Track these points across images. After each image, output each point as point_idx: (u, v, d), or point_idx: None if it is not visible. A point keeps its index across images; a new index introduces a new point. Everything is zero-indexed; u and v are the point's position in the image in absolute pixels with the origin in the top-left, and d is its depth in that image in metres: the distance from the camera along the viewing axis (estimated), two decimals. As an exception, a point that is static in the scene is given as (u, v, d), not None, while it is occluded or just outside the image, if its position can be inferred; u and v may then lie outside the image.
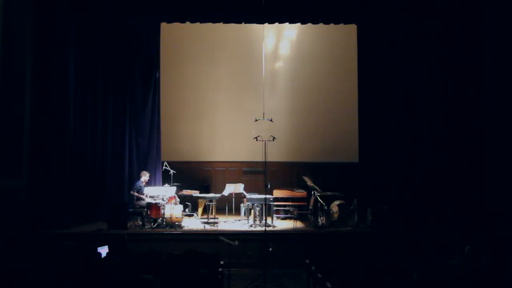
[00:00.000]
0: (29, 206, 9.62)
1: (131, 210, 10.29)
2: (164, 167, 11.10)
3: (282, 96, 12.78)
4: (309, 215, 10.70)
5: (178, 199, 10.44)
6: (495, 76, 10.10)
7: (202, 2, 10.30)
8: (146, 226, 9.85)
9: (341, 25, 11.21)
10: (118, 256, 5.74)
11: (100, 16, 10.40)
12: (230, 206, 10.75)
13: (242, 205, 10.80)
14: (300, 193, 11.38)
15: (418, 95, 10.68)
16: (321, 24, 11.07)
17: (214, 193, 11.22)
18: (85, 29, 10.58)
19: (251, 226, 10.16)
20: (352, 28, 11.37)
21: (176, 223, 9.87)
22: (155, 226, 9.85)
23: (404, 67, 10.73)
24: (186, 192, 11.21)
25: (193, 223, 10.51)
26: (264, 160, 8.97)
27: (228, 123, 12.87)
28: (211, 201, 10.68)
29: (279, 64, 13.04)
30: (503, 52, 10.01)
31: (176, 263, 5.71)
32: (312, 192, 10.58)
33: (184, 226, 9.96)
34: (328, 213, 10.26)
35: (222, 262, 6.87)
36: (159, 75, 11.43)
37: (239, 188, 10.82)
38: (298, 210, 11.01)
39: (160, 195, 10.09)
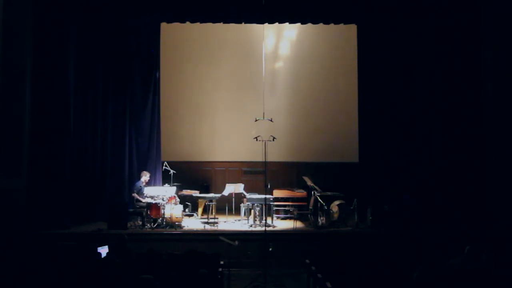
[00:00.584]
0: (29, 206, 9.62)
1: (131, 210, 10.29)
2: (164, 167, 11.10)
3: (282, 96, 12.78)
4: (309, 215, 10.70)
5: (178, 199, 10.44)
6: (495, 76, 10.11)
7: (202, 2, 10.30)
8: (146, 226, 9.85)
9: (341, 25, 11.21)
10: (118, 256, 5.74)
11: (100, 16, 10.40)
12: (230, 206, 10.75)
13: (242, 205, 10.80)
14: (300, 193, 11.38)
15: (418, 95, 10.69)
16: (321, 24, 11.07)
17: (214, 193, 11.22)
18: (85, 29, 10.57)
19: (251, 226, 10.16)
20: (352, 28, 11.37)
21: (176, 223, 9.87)
22: (155, 226, 9.85)
23: (404, 67, 10.73)
24: (186, 192, 11.21)
25: (193, 223, 10.51)
26: (264, 160, 8.97)
27: (228, 123, 12.87)
28: (211, 201, 10.68)
29: (279, 64, 13.04)
30: (503, 52, 10.01)
31: (176, 263, 5.71)
32: (312, 192, 10.57)
33: (184, 226, 9.96)
34: (328, 213, 10.26)
35: (222, 262, 6.87)
36: (159, 75, 11.43)
37: (239, 188, 10.82)
38: (298, 210, 11.01)
39: (160, 195, 10.08)
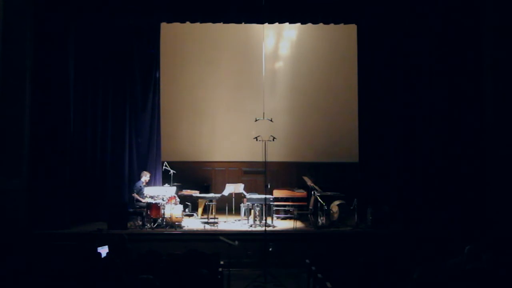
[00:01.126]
0: (29, 206, 9.62)
1: (131, 210, 10.29)
2: (164, 167, 11.11)
3: (282, 96, 12.77)
4: (309, 215, 10.70)
5: (178, 199, 10.44)
6: (495, 76, 10.10)
7: (202, 2, 10.29)
8: (146, 226, 9.86)
9: (341, 25, 11.19)
10: (118, 256, 5.73)
11: (100, 16, 10.39)
12: (230, 206, 10.75)
13: (242, 205, 10.80)
14: (300, 193, 11.38)
15: (418, 95, 10.67)
16: (321, 24, 11.05)
17: (214, 193, 11.22)
18: (85, 29, 10.59)
19: (251, 226, 10.16)
20: (352, 28, 11.37)
21: (176, 223, 9.87)
22: (155, 226, 9.85)
23: (404, 67, 10.73)
24: (186, 192, 11.21)
25: (193, 223, 10.51)
26: (264, 160, 8.97)
27: (228, 123, 12.87)
28: (211, 201, 10.68)
29: (279, 64, 13.04)
30: (503, 52, 10.00)
31: (176, 263, 5.71)
32: (312, 192, 10.58)
33: (184, 226, 9.96)
34: (328, 213, 10.26)
35: (222, 262, 6.87)
36: (159, 75, 11.43)
37: (239, 188, 10.82)
38: (298, 210, 11.01)
39: (160, 195, 10.08)
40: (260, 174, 11.44)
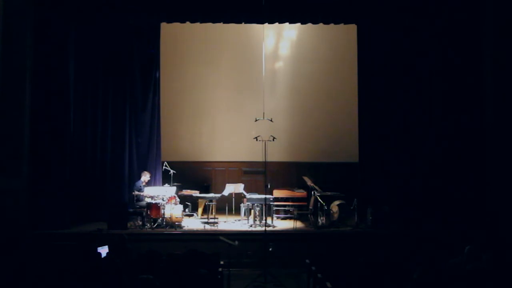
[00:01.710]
0: (29, 206, 9.62)
1: (131, 210, 10.29)
2: (164, 167, 11.11)
3: (282, 96, 12.77)
4: (309, 215, 10.70)
5: (178, 199, 10.43)
6: (495, 76, 10.10)
7: (202, 2, 10.30)
8: (146, 226, 9.85)
9: (341, 25, 11.19)
10: (118, 256, 5.73)
11: (100, 16, 10.39)
12: (230, 206, 10.75)
13: (242, 205, 10.80)
14: (300, 193, 11.38)
15: (418, 95, 10.68)
16: (321, 24, 11.06)
17: (214, 193, 11.22)
18: (85, 29, 10.58)
19: (251, 226, 10.16)
20: (352, 28, 11.36)
21: (176, 223, 9.87)
22: (155, 226, 9.85)
23: (404, 67, 10.72)
24: (186, 192, 11.21)
25: (193, 223, 10.51)
26: (264, 160, 8.97)
27: (228, 123, 12.87)
28: (211, 201, 10.68)
29: (279, 64, 13.04)
30: (503, 52, 10.00)
31: (176, 263, 5.71)
32: (312, 192, 10.58)
33: (184, 226, 9.96)
34: (328, 213, 10.26)
35: (222, 262, 6.87)
36: (159, 75, 11.43)
37: (239, 188, 10.82)
38: (298, 210, 11.01)
39: (160, 195, 10.08)
40: (260, 174, 11.45)
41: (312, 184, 10.68)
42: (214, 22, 10.84)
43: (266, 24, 11.01)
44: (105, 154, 10.89)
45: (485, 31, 10.32)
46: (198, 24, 10.89)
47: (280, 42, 12.95)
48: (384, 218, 9.94)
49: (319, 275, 6.14)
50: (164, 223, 9.89)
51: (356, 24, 11.16)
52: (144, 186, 10.50)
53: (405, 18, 10.58)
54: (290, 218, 10.95)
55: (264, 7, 9.88)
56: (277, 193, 11.19)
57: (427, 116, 10.61)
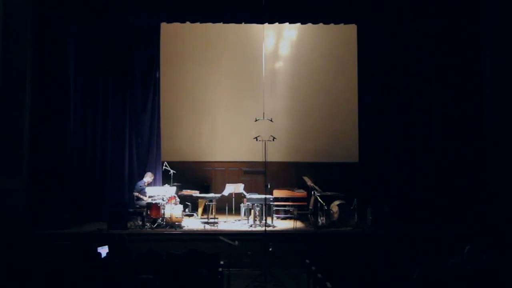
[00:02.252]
0: (29, 206, 9.62)
1: (131, 210, 10.29)
2: (164, 167, 11.11)
3: (282, 96, 12.77)
4: (309, 215, 10.69)
5: (178, 199, 10.43)
6: (495, 76, 10.11)
7: (202, 2, 10.30)
8: (146, 226, 9.86)
9: (341, 25, 11.20)
10: (118, 256, 5.73)
11: (100, 16, 10.39)
12: (230, 206, 10.75)
13: (242, 205, 10.80)
14: (300, 193, 11.38)
15: (418, 95, 10.68)
16: (321, 24, 11.06)
17: (214, 193, 11.22)
18: (85, 29, 10.59)
19: (251, 226, 10.16)
20: (352, 28, 11.37)
21: (176, 223, 9.87)
22: (155, 226, 9.85)
23: (404, 67, 10.73)
24: (186, 192, 11.21)
25: (193, 223, 10.51)
26: (264, 160, 8.97)
27: (228, 123, 12.87)
28: (211, 201, 10.68)
29: (279, 64, 13.04)
30: (503, 52, 10.01)
31: (176, 263, 5.71)
32: (312, 192, 10.57)
33: (184, 226, 9.96)
34: (328, 213, 10.26)
35: (222, 262, 6.87)
36: (159, 75, 11.43)
37: (239, 188, 10.82)
38: (298, 210, 11.01)
39: (160, 195, 10.08)
40: (260, 174, 11.44)
41: (312, 184, 10.68)
42: (214, 22, 10.84)
43: (266, 24, 11.01)
44: (105, 154, 10.89)
45: (485, 31, 10.32)
46: (198, 24, 10.90)
47: (280, 42, 12.95)
48: (384, 218, 9.94)
49: (319, 275, 6.14)
50: (164, 223, 9.89)
51: (356, 24, 11.16)
52: (145, 186, 10.48)
53: (405, 18, 10.58)
54: (290, 218, 10.95)
55: (264, 7, 9.88)
56: (277, 193, 11.19)
57: (427, 116, 10.61)
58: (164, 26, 11.37)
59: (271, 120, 9.59)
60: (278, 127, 10.81)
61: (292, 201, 11.23)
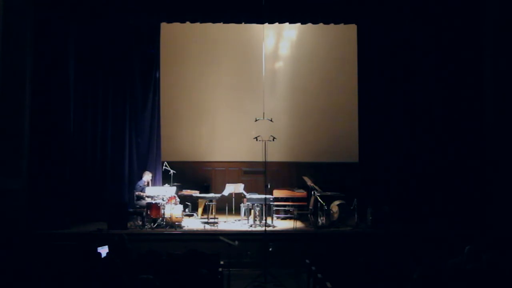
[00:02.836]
0: (29, 206, 9.62)
1: (131, 210, 10.29)
2: (164, 167, 11.11)
3: (282, 96, 12.77)
4: (309, 215, 10.70)
5: (178, 199, 10.44)
6: (495, 76, 10.11)
7: (202, 2, 10.30)
8: (146, 226, 9.86)
9: (341, 25, 11.20)
10: (118, 256, 5.73)
11: (100, 16, 10.39)
12: (230, 206, 10.75)
13: (242, 205, 10.80)
14: (300, 193, 11.38)
15: (418, 95, 10.68)
16: (321, 24, 11.07)
17: (214, 193, 11.22)
18: (85, 29, 10.59)
19: (251, 226, 10.16)
20: (352, 28, 11.37)
21: (176, 223, 9.87)
22: (155, 226, 9.85)
23: (404, 67, 10.73)
24: (186, 192, 11.21)
25: (193, 223, 10.51)
26: (264, 160, 8.97)
27: (228, 123, 12.87)
28: (211, 201, 10.68)
29: (279, 64, 13.04)
30: (503, 52, 10.00)
31: (176, 263, 5.71)
32: (312, 192, 10.58)
33: (184, 226, 9.96)
34: (328, 213, 10.26)
35: (222, 262, 6.87)
36: (159, 75, 11.43)
37: (239, 188, 10.82)
38: (298, 210, 11.01)
39: (160, 195, 10.09)
40: (260, 174, 11.43)
41: (312, 184, 10.68)
42: (214, 22, 10.85)
43: (266, 24, 11.01)
44: (105, 154, 10.89)
45: (485, 31, 10.32)
46: (198, 24, 10.90)
47: (280, 42, 12.95)
48: (384, 218, 9.94)
49: (319, 275, 6.14)
50: (164, 223, 9.89)
51: (356, 24, 11.17)
52: (145, 186, 10.48)
53: (405, 18, 10.58)
54: (290, 218, 10.95)
55: (264, 7, 9.88)
56: (277, 193, 11.19)
57: (427, 116, 10.61)
58: (164, 26, 11.37)
59: (271, 120, 9.59)
60: (278, 127, 10.81)
61: (292, 201, 11.23)
